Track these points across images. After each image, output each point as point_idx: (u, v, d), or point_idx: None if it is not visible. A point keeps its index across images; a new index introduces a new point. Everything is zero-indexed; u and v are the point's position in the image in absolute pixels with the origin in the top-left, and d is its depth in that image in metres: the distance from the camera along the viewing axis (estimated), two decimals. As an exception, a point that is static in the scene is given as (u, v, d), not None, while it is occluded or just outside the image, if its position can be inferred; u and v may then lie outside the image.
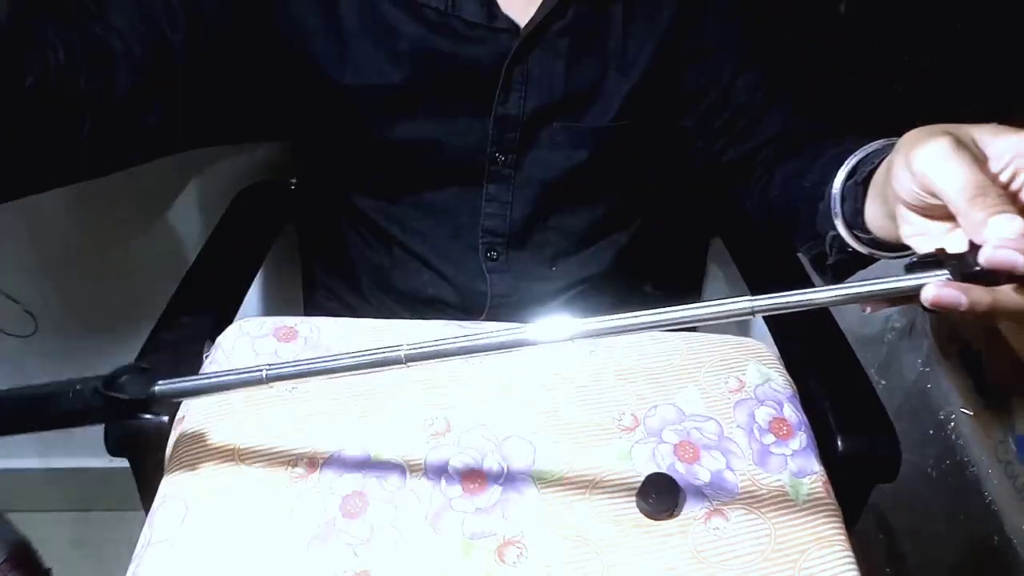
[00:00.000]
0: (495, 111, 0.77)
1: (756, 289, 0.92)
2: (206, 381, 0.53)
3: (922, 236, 0.48)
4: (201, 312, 0.79)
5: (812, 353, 0.80)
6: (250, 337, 0.73)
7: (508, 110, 0.77)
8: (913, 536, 1.22)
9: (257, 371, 0.51)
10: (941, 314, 0.42)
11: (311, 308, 0.99)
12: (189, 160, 0.97)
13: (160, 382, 0.54)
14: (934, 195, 0.44)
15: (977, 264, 0.42)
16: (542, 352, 0.72)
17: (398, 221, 0.85)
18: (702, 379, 0.71)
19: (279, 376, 0.51)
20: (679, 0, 0.78)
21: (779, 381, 0.72)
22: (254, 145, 1.02)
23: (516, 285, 0.86)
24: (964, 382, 1.16)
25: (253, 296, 0.91)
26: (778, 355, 0.76)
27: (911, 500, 1.16)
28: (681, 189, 0.93)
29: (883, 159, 0.54)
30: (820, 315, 0.84)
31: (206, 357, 0.72)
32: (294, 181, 1.03)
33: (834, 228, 0.61)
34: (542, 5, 0.74)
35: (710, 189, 0.90)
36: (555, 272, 0.87)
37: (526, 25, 0.74)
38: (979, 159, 0.44)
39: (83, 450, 1.38)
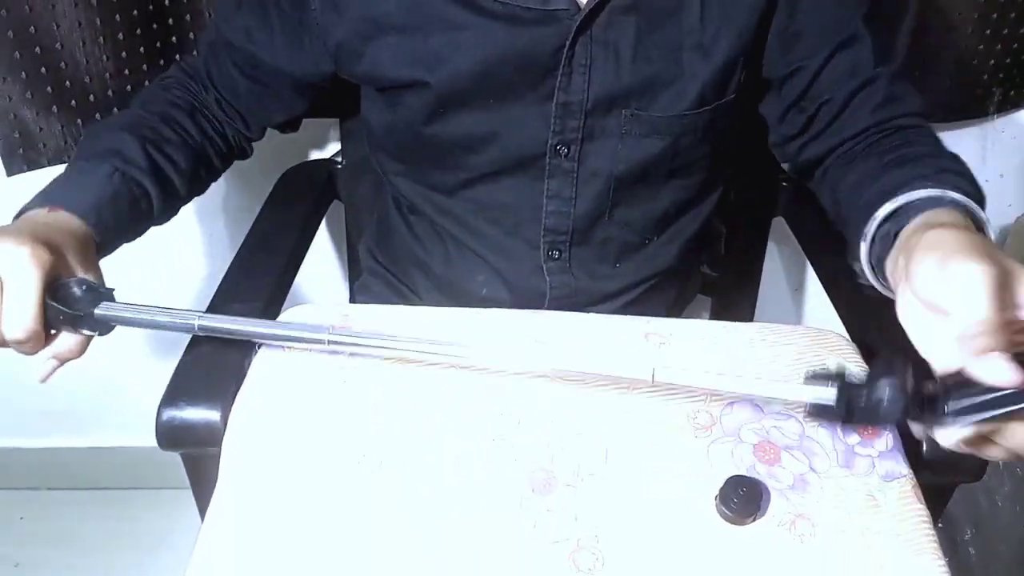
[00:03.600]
0: (556, 97, 0.72)
1: (821, 269, 0.90)
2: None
3: (913, 320, 0.50)
4: (250, 299, 0.76)
5: (890, 344, 0.75)
6: (305, 326, 0.70)
7: (571, 96, 0.72)
8: (974, 523, 1.18)
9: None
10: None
11: (359, 293, 0.96)
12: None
13: (106, 304, 0.61)
14: (950, 309, 0.46)
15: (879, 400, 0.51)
16: (611, 346, 0.69)
17: (452, 215, 0.81)
18: (779, 373, 0.67)
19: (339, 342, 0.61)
20: None
21: (861, 376, 0.67)
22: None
23: (577, 286, 0.82)
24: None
25: (298, 277, 0.87)
26: (856, 347, 0.72)
27: (973, 486, 1.12)
28: (751, 173, 0.88)
29: (922, 213, 0.58)
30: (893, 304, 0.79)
31: (257, 348, 0.69)
32: (341, 160, 0.99)
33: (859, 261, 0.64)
34: None
35: (778, 172, 0.86)
36: (619, 270, 0.83)
37: (587, 3, 0.69)
38: (1011, 303, 0.46)
39: (123, 430, 1.38)
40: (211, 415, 0.65)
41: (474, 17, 0.69)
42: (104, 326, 0.62)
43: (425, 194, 0.81)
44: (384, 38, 0.72)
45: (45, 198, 0.66)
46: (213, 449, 0.63)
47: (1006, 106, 1.10)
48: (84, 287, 0.61)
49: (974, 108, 1.08)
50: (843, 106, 0.74)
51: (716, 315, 1.09)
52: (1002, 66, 1.04)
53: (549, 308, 0.82)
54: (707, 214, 0.85)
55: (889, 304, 0.78)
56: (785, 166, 0.95)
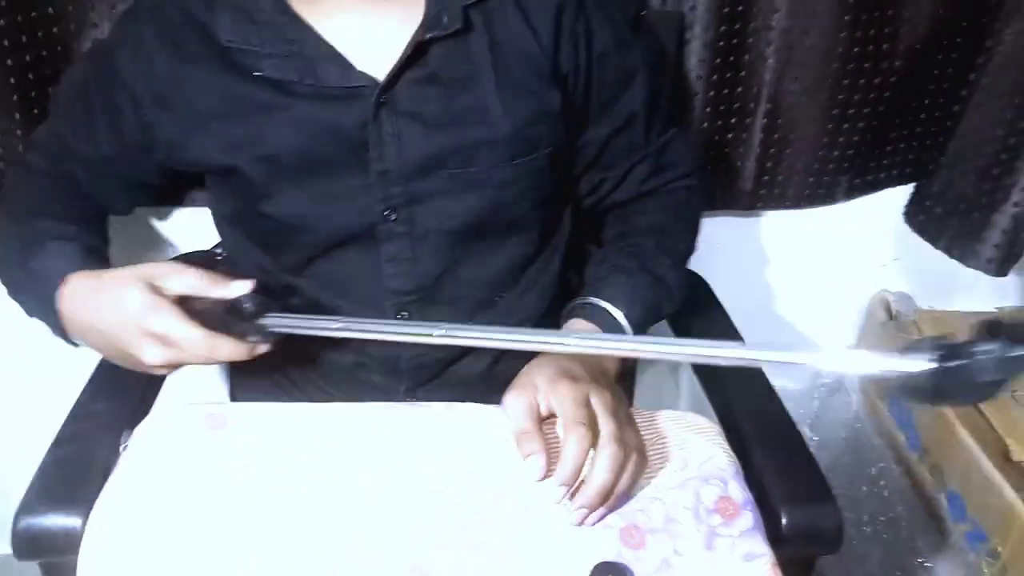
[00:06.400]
0: (372, 167, 0.75)
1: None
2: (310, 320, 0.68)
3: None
4: (117, 399, 0.74)
5: (751, 421, 0.79)
6: (173, 426, 0.69)
7: (387, 165, 0.75)
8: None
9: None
10: None
11: (237, 389, 0.95)
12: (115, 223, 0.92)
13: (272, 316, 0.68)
14: None
15: None
16: (483, 434, 0.70)
17: (304, 295, 0.82)
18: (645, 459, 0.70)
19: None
20: (553, 55, 0.77)
21: (723, 458, 0.71)
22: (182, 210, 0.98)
23: (429, 345, 0.82)
24: (895, 438, 1.19)
25: (172, 377, 0.85)
26: (719, 429, 0.75)
27: (847, 556, 1.17)
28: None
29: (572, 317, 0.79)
30: (756, 378, 0.84)
31: (123, 449, 0.68)
32: (221, 251, 0.98)
33: None
34: (400, 55, 0.73)
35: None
36: (482, 323, 0.84)
37: (384, 78, 0.73)
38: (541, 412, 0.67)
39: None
40: (72, 521, 0.63)
41: (284, 99, 0.74)
42: (270, 335, 0.68)
43: (278, 276, 0.82)
44: (207, 128, 0.75)
45: (45, 284, 0.70)
46: (74, 557, 0.61)
47: (853, 193, 1.19)
48: (255, 302, 0.67)
49: (824, 195, 1.17)
50: (619, 181, 0.87)
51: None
52: (846, 156, 1.14)
53: (410, 371, 0.83)
54: (558, 267, 0.87)
55: (754, 384, 0.84)
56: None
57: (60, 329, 0.71)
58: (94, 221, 0.84)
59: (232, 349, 0.67)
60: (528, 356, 0.74)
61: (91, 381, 0.77)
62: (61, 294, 0.69)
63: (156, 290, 0.66)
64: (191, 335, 0.65)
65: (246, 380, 0.93)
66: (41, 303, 0.72)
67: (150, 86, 0.76)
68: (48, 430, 0.71)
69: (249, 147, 0.75)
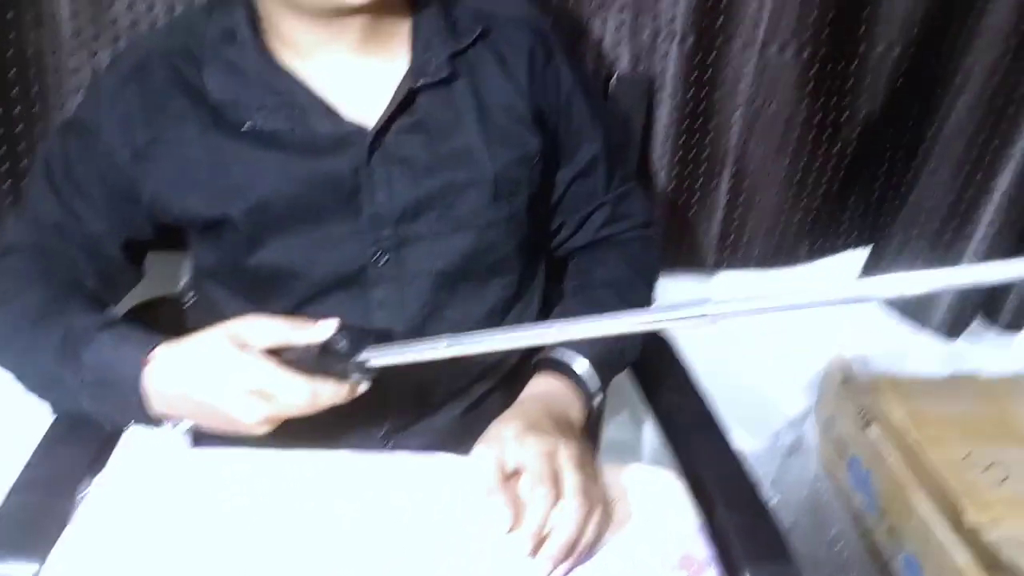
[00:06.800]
0: (364, 211, 0.77)
1: (653, 404, 0.95)
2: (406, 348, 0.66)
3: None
4: (77, 446, 0.73)
5: (714, 478, 0.80)
6: (133, 474, 0.68)
7: (378, 209, 0.77)
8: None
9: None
10: None
11: (199, 434, 0.93)
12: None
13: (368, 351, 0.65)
14: None
15: None
16: (455, 484, 0.70)
17: None
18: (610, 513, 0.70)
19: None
20: (530, 100, 0.81)
21: (687, 513, 0.72)
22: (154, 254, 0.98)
23: (418, 387, 0.83)
24: (853, 500, 1.21)
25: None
26: (683, 485, 0.76)
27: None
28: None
29: (538, 372, 0.79)
30: (718, 436, 0.85)
31: (81, 497, 0.66)
32: (192, 296, 0.98)
33: None
34: (390, 103, 0.76)
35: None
36: (455, 372, 0.84)
37: (375, 125, 0.75)
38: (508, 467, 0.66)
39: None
40: (28, 569, 0.61)
41: (275, 150, 0.75)
42: (370, 370, 0.66)
43: None
44: (195, 182, 0.76)
45: (116, 372, 0.68)
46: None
47: (814, 255, 1.23)
48: (349, 337, 0.66)
49: (786, 257, 1.20)
50: (577, 226, 0.91)
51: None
52: (808, 219, 1.18)
53: (393, 415, 0.83)
54: (536, 310, 0.89)
55: (716, 442, 0.85)
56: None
57: (142, 412, 0.69)
58: (107, 292, 0.82)
59: (334, 391, 0.66)
60: (504, 404, 0.75)
61: (51, 428, 0.75)
62: (147, 374, 0.67)
63: (244, 347, 0.65)
64: (291, 385, 0.64)
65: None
66: (107, 391, 0.69)
67: (132, 146, 0.76)
68: (6, 478, 0.69)
69: (238, 199, 0.75)
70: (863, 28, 1.06)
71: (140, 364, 0.67)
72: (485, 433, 0.70)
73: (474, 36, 0.79)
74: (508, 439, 0.67)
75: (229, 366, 0.65)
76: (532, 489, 0.63)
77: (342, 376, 0.66)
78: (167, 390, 0.67)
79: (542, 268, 0.92)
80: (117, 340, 0.70)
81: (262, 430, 0.67)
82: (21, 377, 0.74)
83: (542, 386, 0.78)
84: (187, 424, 0.69)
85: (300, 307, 0.80)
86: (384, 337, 0.67)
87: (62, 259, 0.79)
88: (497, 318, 0.86)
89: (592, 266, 0.91)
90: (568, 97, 0.84)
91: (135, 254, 0.84)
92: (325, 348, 0.65)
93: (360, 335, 0.66)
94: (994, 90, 1.07)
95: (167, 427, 0.70)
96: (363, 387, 0.67)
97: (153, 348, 0.68)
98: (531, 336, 0.66)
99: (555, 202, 0.89)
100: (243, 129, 0.74)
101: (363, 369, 0.66)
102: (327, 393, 0.65)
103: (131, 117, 0.76)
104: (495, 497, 0.64)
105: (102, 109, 0.77)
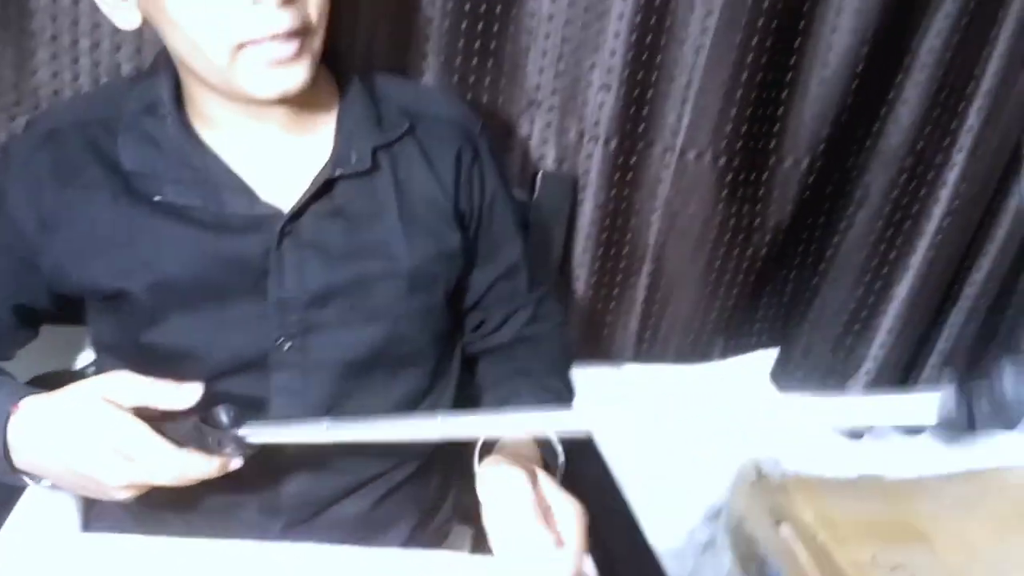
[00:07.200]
0: (271, 295, 0.75)
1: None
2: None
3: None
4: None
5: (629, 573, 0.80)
6: (20, 559, 0.63)
7: (286, 294, 0.75)
8: None
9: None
10: None
11: (91, 517, 0.87)
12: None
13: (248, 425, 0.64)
14: None
15: None
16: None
17: None
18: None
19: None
20: (453, 199, 0.81)
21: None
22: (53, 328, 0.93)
23: (316, 481, 0.80)
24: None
25: (21, 503, 0.78)
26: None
27: None
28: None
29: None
30: (635, 535, 0.85)
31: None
32: (92, 372, 0.94)
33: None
34: (307, 189, 0.74)
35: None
36: (355, 465, 0.82)
37: (290, 209, 0.74)
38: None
39: None
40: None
41: (183, 226, 0.73)
42: (247, 446, 0.65)
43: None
44: (98, 252, 0.73)
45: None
46: None
47: (727, 353, 1.26)
48: (231, 412, 0.64)
49: (701, 353, 1.24)
50: (499, 324, 0.91)
51: (477, 545, 1.10)
52: (722, 318, 1.22)
53: (291, 508, 0.79)
54: (449, 404, 0.88)
55: (633, 541, 0.85)
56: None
57: (7, 463, 0.66)
58: None
59: (204, 467, 0.64)
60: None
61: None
62: (11, 425, 0.65)
63: (114, 404, 0.63)
64: (157, 449, 0.63)
65: (102, 509, 0.86)
66: None
67: (38, 213, 0.73)
68: None
69: (142, 272, 0.73)
70: (773, 142, 1.12)
71: (6, 415, 0.65)
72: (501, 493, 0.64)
73: (400, 132, 0.79)
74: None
75: (95, 423, 0.63)
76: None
77: (215, 449, 0.64)
78: (30, 446, 0.65)
79: (457, 361, 0.90)
80: None
81: (124, 495, 0.65)
82: None
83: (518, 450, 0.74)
84: (47, 482, 0.67)
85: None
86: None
87: None
88: (407, 409, 0.84)
89: (504, 362, 0.91)
90: (491, 201, 0.85)
91: (28, 319, 0.81)
92: (205, 419, 0.64)
93: (240, 411, 0.65)
94: (893, 205, 1.15)
95: (30, 484, 0.67)
96: (236, 463, 0.66)
97: (20, 399, 0.65)
98: (416, 428, 0.64)
99: (476, 300, 0.89)
100: (154, 199, 0.72)
101: (240, 444, 0.64)
102: (197, 467, 0.64)
103: (40, 183, 0.73)
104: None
105: (11, 174, 0.74)
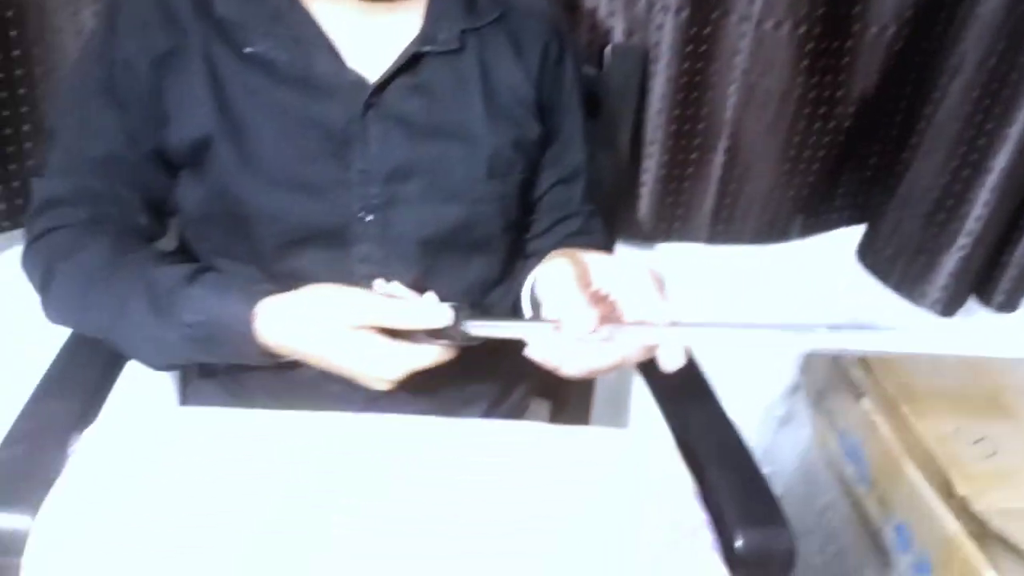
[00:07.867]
0: (353, 166, 0.76)
1: (646, 373, 0.95)
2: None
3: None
4: (68, 399, 0.72)
5: (706, 444, 0.80)
6: (123, 431, 0.68)
7: (369, 165, 0.76)
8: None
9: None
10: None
11: (191, 396, 0.93)
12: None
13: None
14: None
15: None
16: (444, 448, 0.70)
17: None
18: (600, 478, 0.70)
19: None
20: (536, 89, 0.81)
21: (679, 477, 0.72)
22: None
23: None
24: (844, 470, 1.21)
25: (122, 380, 0.83)
26: (675, 448, 0.76)
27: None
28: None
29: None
30: (711, 403, 0.85)
31: (71, 452, 0.66)
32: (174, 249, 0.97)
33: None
34: (395, 62, 0.75)
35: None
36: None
37: (376, 80, 0.75)
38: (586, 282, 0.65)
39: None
40: (18, 522, 0.60)
41: (270, 82, 0.74)
42: (473, 339, 0.68)
43: (239, 270, 0.81)
44: (191, 99, 0.74)
45: (241, 322, 0.69)
46: (18, 559, 0.59)
47: (807, 232, 1.23)
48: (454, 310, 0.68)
49: (779, 232, 1.21)
50: (546, 228, 0.90)
51: (554, 418, 1.13)
52: (801, 196, 1.18)
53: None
54: (517, 295, 0.87)
55: (709, 408, 0.85)
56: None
57: (258, 356, 0.71)
58: (158, 225, 0.83)
59: (440, 354, 0.69)
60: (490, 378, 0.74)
61: (43, 381, 0.75)
62: (257, 328, 0.69)
63: (360, 333, 0.67)
64: (407, 361, 0.68)
65: (197, 386, 0.91)
66: (218, 347, 0.71)
67: (151, 55, 0.74)
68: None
69: (228, 123, 0.74)
70: (857, 8, 1.06)
71: (249, 321, 0.69)
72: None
73: (491, 19, 0.79)
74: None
75: (347, 352, 0.67)
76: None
77: (450, 340, 0.68)
78: (280, 342, 0.69)
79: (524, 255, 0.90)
80: (213, 295, 0.70)
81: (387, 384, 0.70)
82: (100, 332, 0.74)
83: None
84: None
85: (278, 257, 0.79)
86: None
87: (110, 199, 0.78)
88: (478, 297, 0.85)
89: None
90: (567, 102, 0.85)
91: (166, 169, 0.80)
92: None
93: (460, 307, 0.69)
94: (989, 73, 1.08)
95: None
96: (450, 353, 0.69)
97: (254, 304, 0.69)
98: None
99: (534, 200, 0.88)
100: (244, 51, 0.73)
101: (467, 337, 0.68)
102: (433, 356, 0.69)
103: (148, 26, 0.74)
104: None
105: (121, 17, 0.75)
